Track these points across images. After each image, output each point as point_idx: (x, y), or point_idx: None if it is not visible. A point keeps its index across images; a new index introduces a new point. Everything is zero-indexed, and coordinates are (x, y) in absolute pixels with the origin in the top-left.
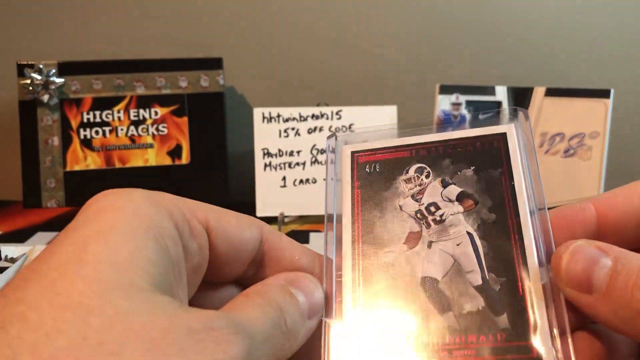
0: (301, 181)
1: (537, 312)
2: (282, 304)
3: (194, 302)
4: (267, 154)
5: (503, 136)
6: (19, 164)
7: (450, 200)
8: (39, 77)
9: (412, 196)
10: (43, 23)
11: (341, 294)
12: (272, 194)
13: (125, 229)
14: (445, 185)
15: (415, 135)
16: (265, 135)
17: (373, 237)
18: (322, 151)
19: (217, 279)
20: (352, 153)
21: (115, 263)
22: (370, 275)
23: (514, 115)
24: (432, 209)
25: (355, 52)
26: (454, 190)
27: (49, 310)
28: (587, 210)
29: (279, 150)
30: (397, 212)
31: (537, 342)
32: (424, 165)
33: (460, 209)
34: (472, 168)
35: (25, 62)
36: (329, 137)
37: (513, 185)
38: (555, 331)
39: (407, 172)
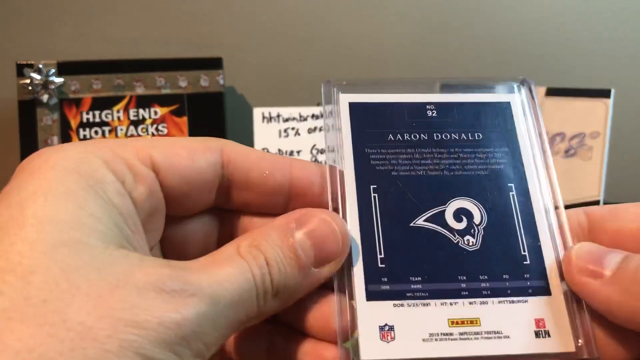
0: None
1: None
2: (272, 258)
3: (168, 238)
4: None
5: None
6: (19, 164)
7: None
8: (38, 77)
9: None
10: (43, 23)
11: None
12: None
13: (64, 188)
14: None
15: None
16: (265, 135)
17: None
18: (322, 151)
19: (186, 212)
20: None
21: (58, 222)
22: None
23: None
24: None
25: (355, 52)
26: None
27: None
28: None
29: (279, 150)
30: None
31: None
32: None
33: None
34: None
35: (25, 62)
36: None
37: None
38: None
39: None
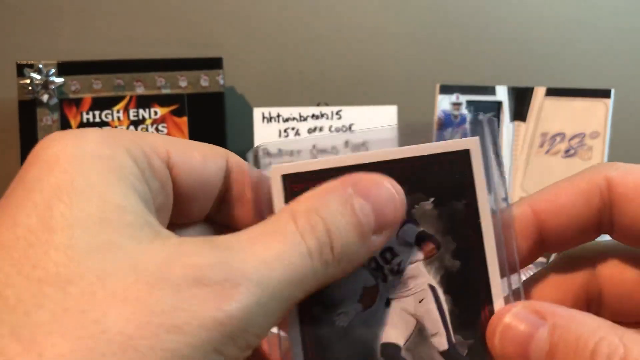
0: None
1: None
2: (333, 225)
3: None
4: (267, 154)
5: (466, 154)
6: (19, 164)
7: (408, 243)
8: (38, 77)
9: None
10: (43, 23)
11: None
12: None
13: (86, 180)
14: (401, 223)
15: (358, 150)
16: (265, 135)
17: (322, 295)
18: (322, 151)
19: (183, 219)
20: (283, 178)
21: (88, 224)
22: (323, 345)
23: (476, 125)
24: (388, 255)
25: (356, 52)
26: (411, 230)
27: (27, 286)
28: (523, 219)
29: (279, 150)
30: None
31: None
32: None
33: (421, 255)
34: (432, 200)
35: (25, 62)
36: (248, 154)
37: (479, 224)
38: None
39: None
